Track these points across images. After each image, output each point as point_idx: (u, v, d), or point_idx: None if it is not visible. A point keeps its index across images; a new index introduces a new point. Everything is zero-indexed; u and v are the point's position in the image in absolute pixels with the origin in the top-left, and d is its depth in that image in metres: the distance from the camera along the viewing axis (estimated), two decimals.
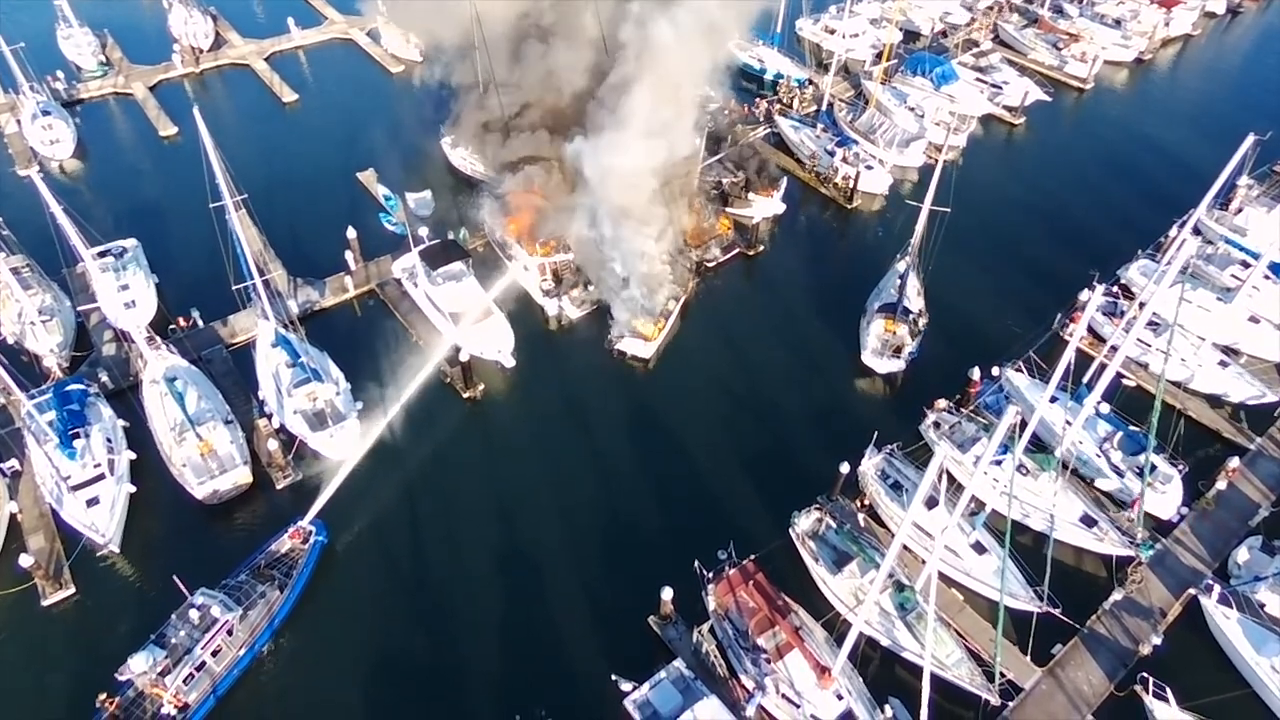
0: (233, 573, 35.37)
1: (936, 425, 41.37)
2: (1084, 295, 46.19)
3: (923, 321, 47.40)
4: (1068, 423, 39.40)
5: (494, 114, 57.43)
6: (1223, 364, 45.18)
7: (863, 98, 69.33)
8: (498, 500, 39.96)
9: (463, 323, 46.35)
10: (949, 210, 45.49)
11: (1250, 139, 43.56)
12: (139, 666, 31.06)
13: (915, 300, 48.25)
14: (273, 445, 39.95)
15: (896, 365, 45.51)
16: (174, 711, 31.21)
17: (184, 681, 31.51)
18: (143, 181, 61.42)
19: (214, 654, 32.48)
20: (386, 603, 36.10)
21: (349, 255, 51.37)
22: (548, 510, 39.51)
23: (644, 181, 49.03)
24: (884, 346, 45.78)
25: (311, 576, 36.16)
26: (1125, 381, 44.01)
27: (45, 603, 35.25)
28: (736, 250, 54.82)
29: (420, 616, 35.56)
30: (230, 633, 33.04)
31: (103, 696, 31.10)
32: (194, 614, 32.83)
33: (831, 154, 60.62)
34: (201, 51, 75.59)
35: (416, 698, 32.98)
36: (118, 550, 36.87)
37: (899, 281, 47.78)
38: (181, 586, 33.30)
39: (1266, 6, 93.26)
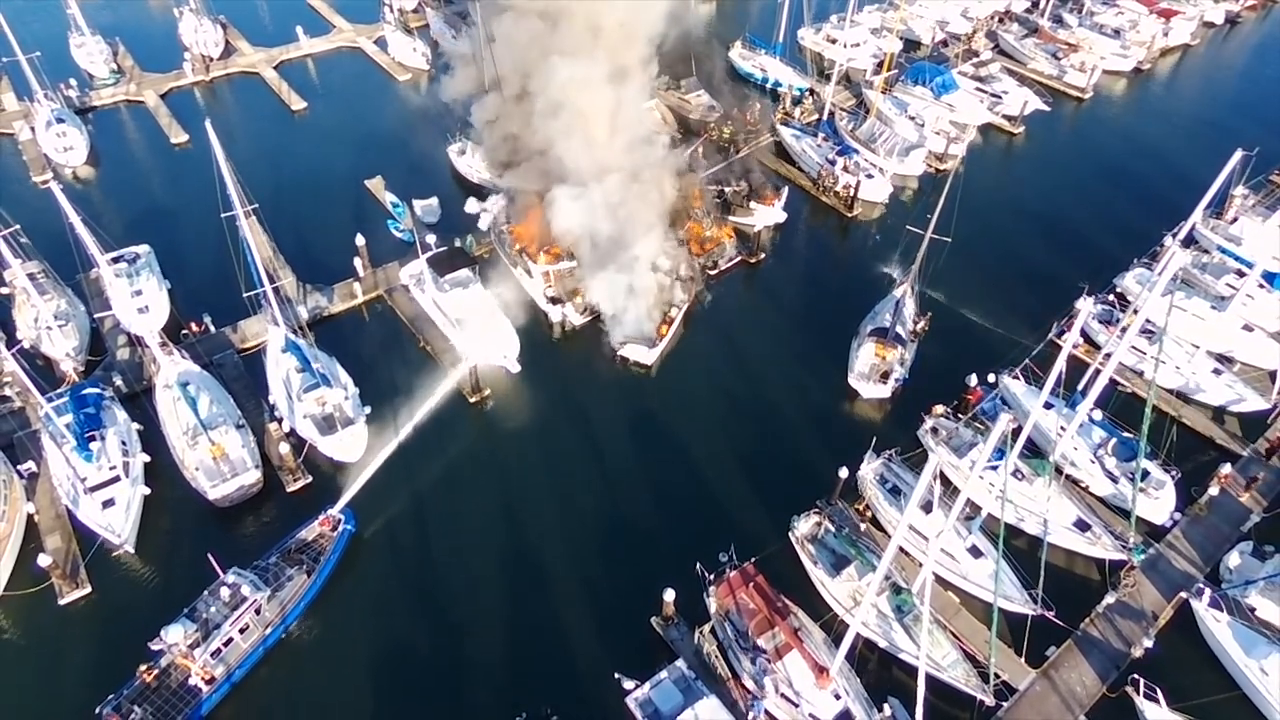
0: (264, 555, 36.63)
1: (934, 431, 42.18)
2: (1079, 304, 46.91)
3: (912, 348, 47.26)
4: (1062, 429, 40.16)
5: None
6: (1217, 372, 45.91)
7: (864, 107, 70.15)
8: (504, 502, 40.80)
9: (469, 329, 47.22)
10: (949, 240, 45.77)
11: (1238, 155, 44.20)
12: (174, 637, 32.22)
13: (911, 325, 48.40)
14: (284, 449, 40.79)
15: (883, 391, 45.38)
16: (201, 684, 32.37)
17: (212, 655, 32.76)
18: (154, 188, 62.44)
19: (241, 631, 33.73)
20: (398, 598, 37.03)
21: (357, 262, 52.22)
22: (553, 513, 40.34)
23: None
24: (871, 370, 45.81)
25: (338, 564, 37.32)
26: (1121, 389, 44.75)
27: (62, 601, 36.11)
28: (738, 258, 55.65)
29: (430, 613, 36.43)
30: (258, 611, 34.29)
31: (143, 668, 32.38)
32: (225, 591, 34.04)
33: (833, 163, 61.45)
34: (211, 60, 76.59)
35: (425, 691, 33.87)
36: (133, 551, 37.69)
37: (895, 306, 48.09)
38: (215, 564, 34.47)
39: (1265, 16, 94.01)
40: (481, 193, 59.16)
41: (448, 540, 39.24)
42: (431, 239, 52.36)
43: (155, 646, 32.74)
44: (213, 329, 48.61)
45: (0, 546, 36.82)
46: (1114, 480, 40.31)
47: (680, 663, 33.39)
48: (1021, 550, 37.35)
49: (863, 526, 39.14)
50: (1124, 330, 40.28)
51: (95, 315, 48.91)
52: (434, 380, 46.49)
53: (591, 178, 49.42)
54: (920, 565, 34.20)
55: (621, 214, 49.44)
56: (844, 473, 38.59)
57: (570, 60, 50.51)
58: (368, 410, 43.32)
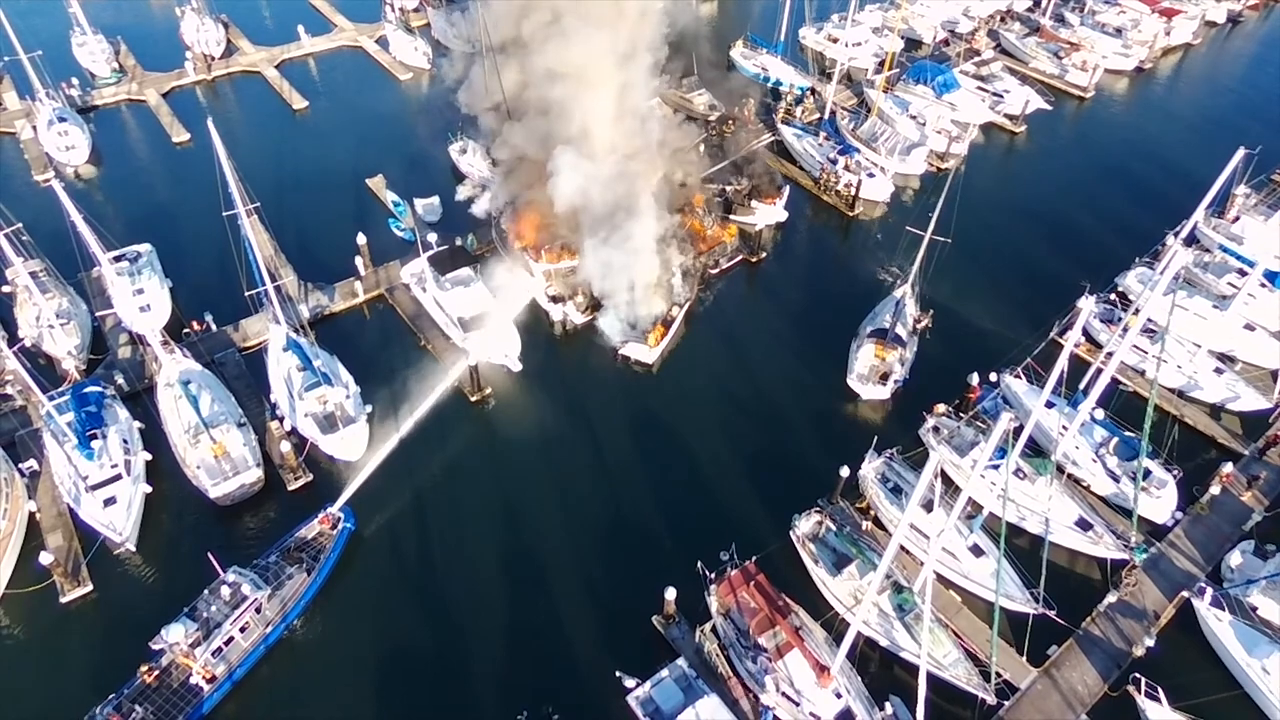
0: (264, 554, 36.70)
1: (936, 430, 42.14)
2: (1081, 303, 46.87)
3: (912, 349, 47.11)
4: (1064, 428, 40.12)
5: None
6: (1218, 371, 45.85)
7: (865, 106, 70.05)
8: (506, 501, 40.81)
9: (470, 328, 47.21)
10: (949, 241, 45.92)
11: (1240, 153, 44.11)
12: (174, 636, 32.30)
13: (912, 324, 48.27)
14: (285, 447, 40.79)
15: (881, 392, 45.21)
16: (202, 683, 32.43)
17: (213, 654, 32.82)
18: (156, 187, 62.43)
19: (242, 630, 33.83)
20: (398, 596, 37.05)
21: (358, 261, 52.24)
22: (554, 511, 40.34)
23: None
24: (870, 372, 45.64)
25: (338, 562, 37.34)
26: (1123, 388, 44.69)
27: (64, 600, 36.12)
28: (739, 257, 55.61)
29: (430, 611, 36.44)
30: (259, 610, 34.37)
31: (144, 667, 32.42)
32: (225, 590, 34.14)
33: (834, 162, 61.40)
34: (213, 59, 76.63)
35: (426, 690, 33.85)
36: (134, 549, 37.70)
37: (894, 307, 48.00)
38: (215, 563, 34.55)
39: (1267, 16, 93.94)
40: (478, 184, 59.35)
41: (448, 539, 39.24)
42: (432, 238, 52.45)
43: (156, 645, 32.83)
44: (214, 327, 48.62)
45: (2, 545, 36.87)
46: (1115, 479, 40.28)
47: (681, 661, 33.40)
48: (1023, 549, 37.31)
49: (864, 525, 39.13)
50: (1126, 329, 40.31)
51: (97, 314, 48.97)
52: (435, 379, 46.48)
53: (593, 149, 49.37)
54: (921, 564, 34.17)
55: (620, 188, 49.34)
56: (845, 472, 38.61)
57: (574, 26, 50.21)
58: (369, 409, 43.37)
